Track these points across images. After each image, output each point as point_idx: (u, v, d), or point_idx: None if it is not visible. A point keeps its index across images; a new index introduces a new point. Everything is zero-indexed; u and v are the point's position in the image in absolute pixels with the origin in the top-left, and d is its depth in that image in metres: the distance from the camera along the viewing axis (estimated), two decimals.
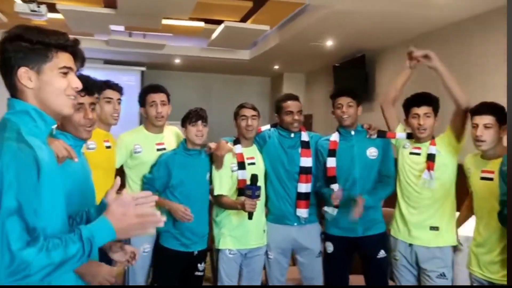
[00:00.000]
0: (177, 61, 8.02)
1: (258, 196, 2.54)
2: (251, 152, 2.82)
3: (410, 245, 2.56)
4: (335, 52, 6.53)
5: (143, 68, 8.50)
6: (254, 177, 2.54)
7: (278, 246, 2.81)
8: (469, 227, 2.57)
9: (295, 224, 2.81)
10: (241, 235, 2.73)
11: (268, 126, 2.98)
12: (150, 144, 2.73)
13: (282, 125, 2.88)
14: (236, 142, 2.82)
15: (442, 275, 2.46)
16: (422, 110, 2.51)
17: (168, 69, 8.70)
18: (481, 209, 2.33)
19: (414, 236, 2.54)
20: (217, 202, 2.75)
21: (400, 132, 2.69)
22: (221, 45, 6.48)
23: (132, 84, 8.55)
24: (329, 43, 6.04)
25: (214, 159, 2.70)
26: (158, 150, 2.75)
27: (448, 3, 4.18)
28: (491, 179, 2.26)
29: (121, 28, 6.34)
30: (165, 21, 5.52)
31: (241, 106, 2.81)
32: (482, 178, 2.30)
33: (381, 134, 2.74)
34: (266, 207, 2.87)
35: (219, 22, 5.67)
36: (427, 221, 2.51)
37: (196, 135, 2.65)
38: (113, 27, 6.06)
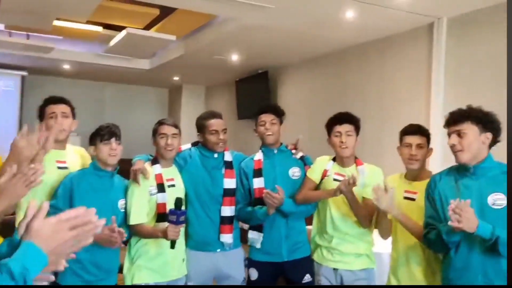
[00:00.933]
0: (66, 66, 7.29)
1: (183, 222, 2.32)
2: (170, 173, 2.59)
3: (335, 269, 2.54)
4: (239, 66, 6.50)
5: (24, 73, 7.58)
6: (178, 201, 2.31)
7: (200, 276, 2.61)
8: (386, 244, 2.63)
9: (218, 250, 2.64)
10: (160, 266, 2.47)
11: (188, 145, 2.77)
12: (50, 161, 2.32)
13: (206, 145, 2.69)
14: (154, 162, 2.56)
15: None
16: (344, 128, 2.51)
17: (54, 75, 7.86)
18: (401, 228, 2.38)
19: (338, 260, 2.53)
20: (134, 232, 2.45)
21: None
22: (121, 52, 6.04)
23: (10, 90, 7.60)
24: (234, 57, 5.99)
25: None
26: (59, 168, 2.40)
27: (352, 27, 4.39)
28: (413, 199, 2.33)
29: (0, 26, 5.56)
30: (56, 22, 4.95)
31: (161, 123, 2.57)
32: (405, 198, 2.36)
33: (303, 160, 2.71)
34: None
35: (118, 28, 5.27)
36: (351, 246, 2.51)
37: (110, 155, 2.35)
38: None
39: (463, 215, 1.83)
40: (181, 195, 2.54)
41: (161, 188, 2.49)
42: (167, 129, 2.53)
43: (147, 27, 5.26)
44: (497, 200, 1.95)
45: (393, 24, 4.25)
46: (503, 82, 3.62)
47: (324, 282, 2.57)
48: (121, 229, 2.22)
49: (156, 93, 9.30)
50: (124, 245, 2.43)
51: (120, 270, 2.52)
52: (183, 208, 2.33)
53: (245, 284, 2.69)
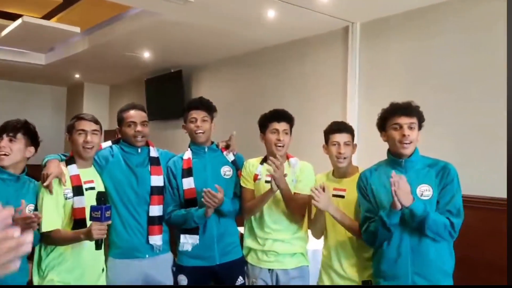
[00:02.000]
0: None
1: (109, 218, 2.08)
2: (89, 175, 2.32)
3: (270, 269, 2.47)
4: (150, 64, 6.17)
5: None
6: (101, 195, 2.10)
7: (125, 285, 2.36)
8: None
9: (147, 256, 2.43)
10: (76, 279, 2.22)
11: (109, 143, 2.50)
12: None
13: (126, 140, 2.46)
14: (69, 161, 2.26)
15: None
16: (282, 126, 2.46)
17: None
18: (331, 225, 2.39)
19: (273, 260, 2.46)
20: (48, 240, 2.13)
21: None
22: (15, 44, 5.36)
23: None
24: (146, 54, 5.68)
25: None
26: None
27: (271, 27, 4.39)
28: (342, 196, 2.36)
29: None
30: None
31: (78, 118, 2.29)
32: (334, 195, 2.38)
33: (235, 164, 2.62)
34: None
35: (15, 17, 4.68)
36: (286, 246, 2.45)
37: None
38: None
39: (402, 188, 1.91)
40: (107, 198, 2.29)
41: (78, 191, 2.22)
42: (86, 125, 2.26)
43: (47, 17, 4.74)
44: (424, 191, 2.07)
45: (311, 26, 4.32)
46: (413, 85, 3.91)
47: (260, 282, 2.48)
48: (37, 213, 1.96)
49: (53, 92, 8.50)
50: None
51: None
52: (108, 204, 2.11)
53: None
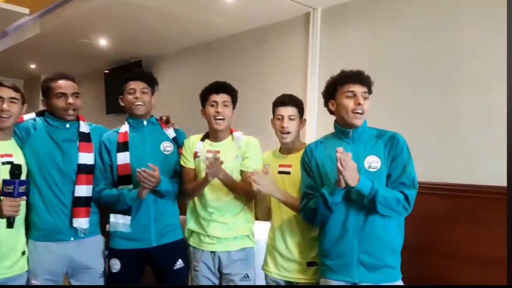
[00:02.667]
0: None
1: (24, 193, 1.90)
2: (7, 148, 2.11)
3: (213, 252, 2.28)
4: (109, 55, 5.90)
5: None
6: (15, 168, 1.92)
7: (48, 271, 2.15)
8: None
9: (72, 239, 2.20)
10: None
11: (32, 115, 2.28)
12: None
13: (53, 113, 2.24)
14: None
15: (246, 277, 2.28)
16: (221, 97, 2.29)
17: None
18: (277, 205, 2.24)
19: (216, 242, 2.28)
20: None
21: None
22: None
23: None
24: (103, 42, 5.41)
25: None
26: None
27: (232, 14, 4.24)
28: (288, 172, 2.21)
29: None
30: None
31: None
32: (280, 172, 2.24)
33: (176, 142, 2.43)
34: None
35: None
36: (230, 230, 2.28)
37: None
38: None
39: (348, 165, 1.76)
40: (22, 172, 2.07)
41: None
42: (4, 91, 2.05)
43: None
44: (372, 163, 1.94)
45: (273, 12, 4.19)
46: (371, 72, 3.78)
47: (202, 267, 2.30)
48: None
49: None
50: None
51: None
52: (23, 177, 1.89)
53: (104, 277, 2.28)
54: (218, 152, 2.25)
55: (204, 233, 2.28)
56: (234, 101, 2.33)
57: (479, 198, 2.84)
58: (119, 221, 2.24)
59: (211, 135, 2.36)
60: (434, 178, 3.09)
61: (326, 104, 2.06)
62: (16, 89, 2.09)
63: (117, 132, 2.34)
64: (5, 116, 2.02)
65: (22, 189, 1.86)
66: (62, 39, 5.27)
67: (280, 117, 2.23)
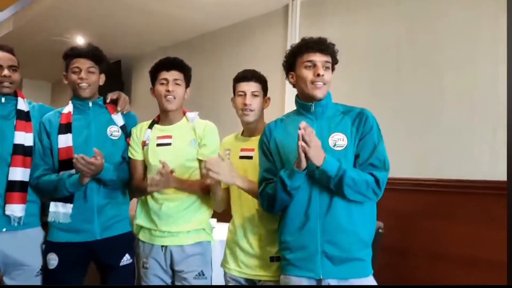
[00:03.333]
0: None
1: None
2: None
3: (164, 247, 2.03)
4: None
5: None
6: None
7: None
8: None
9: (4, 229, 1.96)
10: None
11: None
12: None
13: None
14: None
15: (201, 274, 2.02)
16: (172, 75, 2.05)
17: None
18: (236, 196, 2.01)
19: (167, 235, 2.03)
20: None
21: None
22: None
23: None
24: (80, 41, 5.22)
25: None
26: None
27: (208, 11, 4.10)
28: (250, 157, 1.98)
29: None
30: None
31: None
32: (241, 157, 2.01)
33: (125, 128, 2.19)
34: None
35: None
36: (182, 224, 2.03)
37: None
38: None
39: (313, 143, 1.53)
40: None
41: None
42: None
43: None
44: (338, 140, 1.70)
45: (251, 6, 4.07)
46: (350, 63, 3.64)
47: (152, 264, 2.05)
48: None
49: None
50: None
51: None
52: None
53: (41, 274, 2.03)
54: (170, 137, 2.03)
55: (155, 228, 2.03)
56: (187, 79, 2.10)
57: (469, 194, 2.63)
58: (59, 210, 1.99)
59: (161, 118, 2.13)
60: (419, 173, 2.88)
61: (287, 76, 1.83)
62: None
63: (60, 113, 2.11)
64: None
65: None
66: (35, 38, 5.08)
67: (241, 93, 2.01)
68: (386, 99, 3.18)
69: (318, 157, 1.57)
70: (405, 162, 2.93)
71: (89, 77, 2.09)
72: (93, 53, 2.14)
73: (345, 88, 3.35)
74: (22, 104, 2.07)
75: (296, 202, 1.70)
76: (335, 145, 1.70)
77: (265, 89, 2.07)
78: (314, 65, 1.72)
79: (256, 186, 1.85)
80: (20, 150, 1.98)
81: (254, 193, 1.87)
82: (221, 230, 2.43)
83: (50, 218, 2.01)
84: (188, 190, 2.02)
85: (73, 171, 1.97)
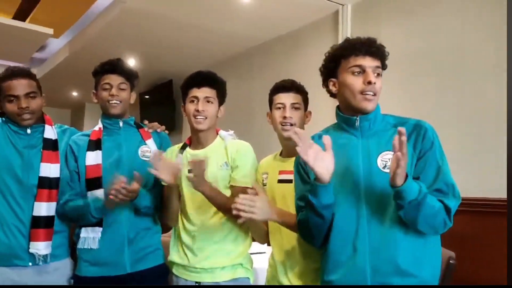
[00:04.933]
0: None
1: None
2: None
3: (198, 283, 1.83)
4: (143, 76, 5.77)
5: None
6: None
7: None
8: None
9: (30, 264, 1.84)
10: None
11: None
12: None
13: (10, 118, 1.93)
14: None
15: None
16: (203, 92, 1.85)
17: None
18: (276, 227, 1.76)
19: (201, 272, 1.82)
20: None
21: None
22: None
23: None
24: (131, 63, 5.28)
25: None
26: None
27: (256, 21, 3.96)
28: (290, 181, 1.71)
29: None
30: None
31: None
32: (280, 181, 1.78)
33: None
34: None
35: None
36: (218, 259, 1.82)
37: None
38: None
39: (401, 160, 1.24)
40: None
41: None
42: None
43: (20, 17, 4.41)
44: (389, 161, 1.39)
45: (299, 15, 3.90)
46: (411, 72, 3.32)
47: None
48: None
49: (58, 116, 8.25)
50: None
51: None
52: None
53: None
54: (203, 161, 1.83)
55: (188, 264, 1.83)
56: (220, 95, 1.90)
57: None
58: (89, 235, 1.86)
59: (193, 140, 1.94)
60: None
61: (324, 84, 1.57)
62: None
63: (87, 135, 1.99)
64: None
65: None
66: (90, 61, 5.17)
67: (280, 105, 1.79)
68: (448, 110, 2.81)
69: (402, 174, 1.27)
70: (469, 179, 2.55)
71: (120, 93, 1.96)
72: (124, 69, 2.02)
73: (401, 99, 3.03)
74: (49, 132, 1.96)
75: (339, 232, 1.43)
76: (385, 166, 1.40)
77: (306, 101, 1.84)
78: (363, 71, 1.44)
79: (293, 217, 1.59)
80: (45, 183, 1.87)
81: (290, 225, 1.63)
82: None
83: (79, 245, 1.89)
84: (220, 207, 1.78)
85: (101, 194, 1.84)
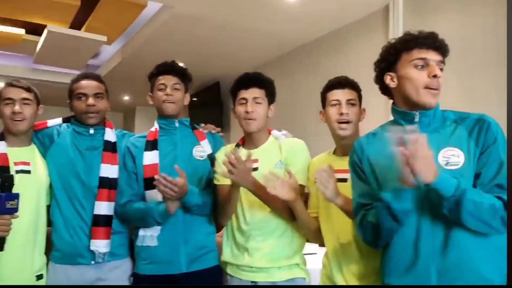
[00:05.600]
0: None
1: (13, 210, 1.63)
2: (24, 155, 1.90)
3: (253, 282, 1.83)
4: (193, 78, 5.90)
5: None
6: (6, 179, 1.64)
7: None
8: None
9: (93, 262, 1.91)
10: None
11: (59, 120, 2.09)
12: None
13: (77, 118, 2.03)
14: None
15: None
16: (252, 93, 1.85)
17: None
18: (328, 223, 1.74)
19: (256, 271, 1.82)
20: None
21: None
22: (49, 61, 5.35)
23: None
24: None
25: None
26: None
27: (303, 20, 3.94)
28: (345, 180, 1.69)
29: None
30: None
31: (9, 84, 1.90)
32: (337, 180, 1.72)
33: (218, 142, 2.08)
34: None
35: (38, 32, 4.65)
36: (273, 259, 1.81)
37: None
38: None
39: (419, 152, 1.20)
40: (41, 187, 1.89)
41: (4, 172, 1.78)
42: (14, 93, 1.87)
43: (76, 25, 4.62)
44: (451, 157, 1.35)
45: (347, 12, 3.83)
46: (465, 62, 3.15)
47: None
48: None
49: (112, 119, 8.50)
50: None
51: None
52: (16, 190, 1.65)
53: None
54: (256, 161, 1.83)
55: (243, 264, 1.84)
56: (269, 95, 1.90)
57: None
58: (147, 234, 1.91)
59: (246, 140, 1.95)
60: None
61: (379, 78, 1.51)
62: (28, 89, 1.90)
63: (144, 137, 2.05)
64: (17, 119, 1.84)
65: (11, 204, 1.60)
66: (142, 66, 5.34)
67: (335, 102, 1.75)
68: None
69: (427, 171, 1.22)
70: None
71: (174, 93, 2.01)
72: (178, 70, 2.06)
73: (461, 95, 2.90)
74: (110, 135, 2.04)
75: (401, 234, 1.38)
76: (447, 163, 1.35)
77: (360, 98, 1.81)
78: (427, 65, 1.39)
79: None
80: (105, 183, 1.94)
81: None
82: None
83: (138, 243, 1.94)
84: (265, 201, 1.78)
85: (160, 197, 1.88)
